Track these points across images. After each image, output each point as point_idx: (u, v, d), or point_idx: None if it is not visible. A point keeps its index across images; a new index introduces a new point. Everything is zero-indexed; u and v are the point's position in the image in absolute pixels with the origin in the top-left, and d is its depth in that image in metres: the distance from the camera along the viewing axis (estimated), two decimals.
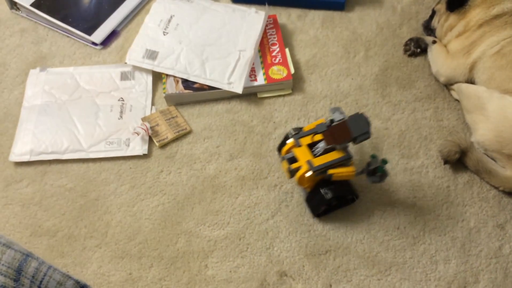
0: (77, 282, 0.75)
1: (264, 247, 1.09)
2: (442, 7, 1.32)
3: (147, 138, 1.24)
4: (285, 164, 1.06)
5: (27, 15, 1.50)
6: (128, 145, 1.23)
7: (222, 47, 1.34)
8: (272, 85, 1.30)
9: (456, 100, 1.29)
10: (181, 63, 1.31)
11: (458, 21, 1.27)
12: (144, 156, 1.22)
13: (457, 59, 1.25)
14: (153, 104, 1.31)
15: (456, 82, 1.26)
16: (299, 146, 1.06)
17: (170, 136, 1.24)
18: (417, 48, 1.37)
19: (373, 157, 1.05)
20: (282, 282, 1.05)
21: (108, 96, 1.31)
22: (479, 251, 1.09)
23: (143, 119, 1.26)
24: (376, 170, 1.05)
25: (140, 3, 1.51)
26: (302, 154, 1.04)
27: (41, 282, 0.70)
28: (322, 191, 1.05)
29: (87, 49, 1.42)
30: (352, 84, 1.33)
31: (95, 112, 1.28)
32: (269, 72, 1.31)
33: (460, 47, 1.25)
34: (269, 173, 1.19)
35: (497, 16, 1.20)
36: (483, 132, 1.14)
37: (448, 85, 1.31)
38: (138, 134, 1.22)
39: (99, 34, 1.43)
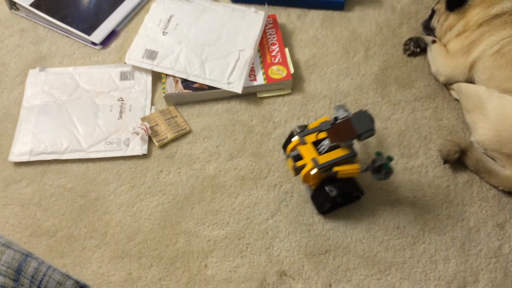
0: (77, 282, 0.75)
1: (263, 247, 1.09)
2: (441, 6, 1.32)
3: (146, 138, 1.24)
4: (290, 162, 1.07)
5: (26, 15, 1.50)
6: (128, 145, 1.23)
7: (221, 47, 1.34)
8: (272, 85, 1.30)
9: (456, 99, 1.29)
10: (180, 63, 1.31)
11: (457, 21, 1.27)
12: (143, 156, 1.22)
13: (456, 58, 1.25)
14: (152, 104, 1.31)
15: (456, 82, 1.26)
16: (304, 143, 1.06)
17: (169, 136, 1.24)
18: (416, 48, 1.37)
19: (378, 154, 1.05)
20: (282, 281, 1.05)
21: (108, 96, 1.31)
22: (479, 251, 1.09)
23: (143, 119, 1.26)
24: (381, 167, 1.05)
25: (139, 3, 1.51)
26: (307, 152, 1.04)
27: (40, 282, 0.70)
28: (327, 188, 1.05)
29: (87, 49, 1.42)
30: (351, 84, 1.33)
31: (94, 112, 1.28)
32: (269, 72, 1.31)
33: (460, 47, 1.25)
34: (268, 173, 1.19)
35: (496, 16, 1.20)
36: (482, 131, 1.14)
37: (447, 85, 1.31)
38: (137, 134, 1.22)
39: (98, 34, 1.43)
